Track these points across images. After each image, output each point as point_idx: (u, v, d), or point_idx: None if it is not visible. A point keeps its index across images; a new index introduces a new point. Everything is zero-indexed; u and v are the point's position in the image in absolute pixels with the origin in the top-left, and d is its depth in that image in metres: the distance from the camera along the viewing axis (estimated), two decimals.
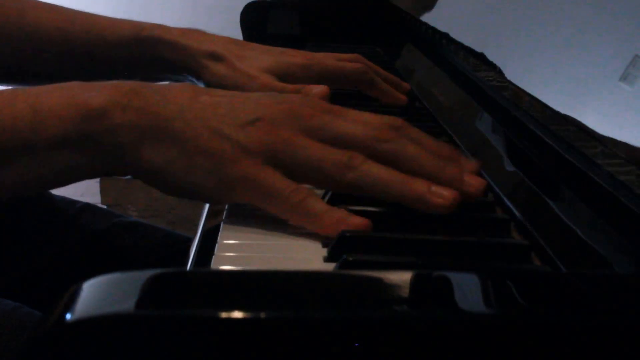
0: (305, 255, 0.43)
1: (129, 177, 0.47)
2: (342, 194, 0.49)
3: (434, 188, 0.44)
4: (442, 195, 0.44)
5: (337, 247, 0.42)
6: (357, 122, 0.46)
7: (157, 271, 0.29)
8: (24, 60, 0.72)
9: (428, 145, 0.46)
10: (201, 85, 0.69)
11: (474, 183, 0.45)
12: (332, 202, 0.49)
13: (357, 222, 0.43)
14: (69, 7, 0.73)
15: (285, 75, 0.68)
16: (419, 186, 0.44)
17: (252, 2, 1.13)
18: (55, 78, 0.71)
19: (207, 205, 0.52)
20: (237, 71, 0.67)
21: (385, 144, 0.45)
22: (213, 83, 0.68)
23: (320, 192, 0.49)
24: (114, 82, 0.46)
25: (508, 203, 0.50)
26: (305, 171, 0.45)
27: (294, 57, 0.70)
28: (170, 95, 0.46)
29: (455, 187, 0.44)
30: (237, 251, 0.43)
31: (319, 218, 0.44)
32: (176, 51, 0.69)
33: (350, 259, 0.40)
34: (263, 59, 0.68)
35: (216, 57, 0.68)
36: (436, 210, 0.44)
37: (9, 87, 0.46)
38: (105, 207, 1.76)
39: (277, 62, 0.68)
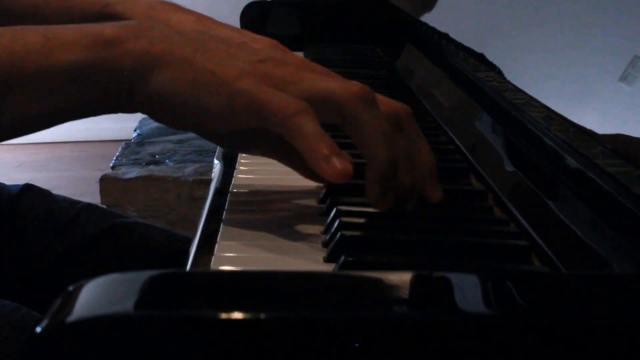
0: (305, 256, 0.43)
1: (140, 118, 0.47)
2: (341, 199, 0.49)
3: (390, 187, 0.45)
4: (388, 195, 0.45)
5: (337, 247, 0.42)
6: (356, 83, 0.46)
7: (157, 272, 0.29)
8: None
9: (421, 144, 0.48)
10: None
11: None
12: (331, 204, 0.49)
13: (338, 166, 0.41)
14: None
15: None
16: (395, 163, 0.44)
17: (253, 1, 1.13)
18: None
19: (207, 206, 0.52)
20: None
21: (392, 109, 0.46)
22: None
23: None
24: (129, 20, 0.47)
25: (507, 203, 0.50)
26: (315, 97, 0.44)
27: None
28: (185, 31, 0.47)
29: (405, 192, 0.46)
30: (236, 252, 0.43)
31: (307, 139, 0.42)
32: None
33: (350, 259, 0.40)
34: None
35: None
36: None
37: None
38: (105, 207, 1.76)
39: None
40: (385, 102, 0.47)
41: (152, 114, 0.46)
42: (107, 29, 0.45)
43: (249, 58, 0.45)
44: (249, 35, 0.62)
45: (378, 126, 0.44)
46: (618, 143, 0.45)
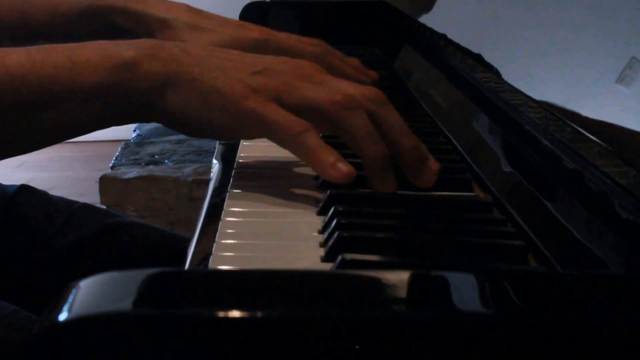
0: (303, 255, 0.43)
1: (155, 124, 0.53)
2: (339, 197, 0.50)
3: (388, 176, 0.50)
4: (389, 184, 0.50)
5: (335, 246, 0.42)
6: (351, 84, 0.52)
7: (155, 270, 0.29)
8: None
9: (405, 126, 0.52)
10: None
11: (432, 169, 0.51)
12: (329, 203, 0.49)
13: (344, 169, 0.48)
14: None
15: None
16: (384, 163, 0.49)
17: (252, 2, 1.13)
18: None
19: (205, 205, 0.52)
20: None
21: (374, 104, 0.50)
22: None
23: None
24: (139, 39, 0.52)
25: (505, 203, 0.50)
26: (306, 106, 0.50)
27: (250, 32, 0.69)
28: (190, 48, 0.52)
29: (417, 167, 0.51)
30: (235, 251, 0.43)
31: (312, 153, 0.48)
32: (128, 18, 0.69)
33: (348, 258, 0.40)
34: (217, 32, 0.68)
35: (167, 26, 0.68)
36: (374, 182, 0.50)
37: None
38: (104, 207, 1.75)
39: (231, 37, 0.68)
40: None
41: (167, 124, 0.52)
42: (125, 52, 0.50)
43: (247, 70, 0.51)
44: (235, 24, 0.69)
45: (361, 127, 0.49)
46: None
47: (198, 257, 0.43)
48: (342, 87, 0.51)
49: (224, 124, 0.50)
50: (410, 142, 0.50)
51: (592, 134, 0.44)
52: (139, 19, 0.68)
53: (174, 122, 0.52)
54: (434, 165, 0.51)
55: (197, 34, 0.67)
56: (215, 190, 0.55)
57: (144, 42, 0.51)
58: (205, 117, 0.50)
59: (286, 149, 0.50)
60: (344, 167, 0.48)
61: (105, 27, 0.70)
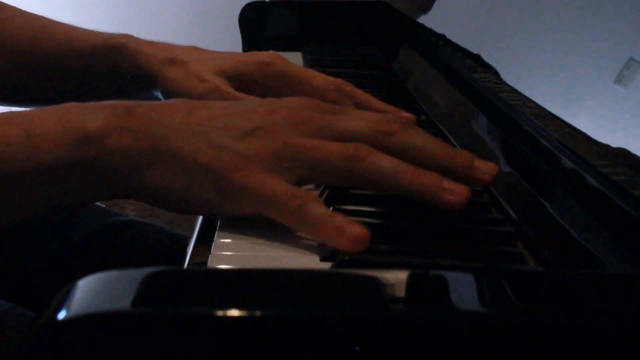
0: (302, 255, 0.43)
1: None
2: (338, 196, 0.50)
3: (446, 184, 0.42)
4: (454, 191, 0.42)
5: None
6: (360, 118, 0.45)
7: (154, 269, 0.29)
8: None
9: (435, 141, 0.46)
10: (159, 95, 0.66)
11: (485, 169, 0.44)
12: (329, 202, 0.49)
13: (356, 231, 0.40)
14: (47, 18, 0.72)
15: (241, 75, 0.64)
16: (430, 180, 0.42)
17: (251, 2, 1.14)
18: (34, 94, 0.72)
19: None
20: (189, 74, 0.63)
21: (391, 136, 0.44)
22: (167, 90, 0.64)
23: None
24: (110, 102, 0.45)
25: (503, 203, 0.50)
26: (311, 169, 0.43)
27: (254, 56, 0.65)
28: (166, 112, 0.45)
29: (467, 175, 0.44)
30: (233, 250, 0.43)
31: (318, 225, 0.41)
32: (137, 59, 0.66)
33: (347, 258, 0.40)
34: (220, 58, 0.65)
35: (173, 61, 0.64)
36: (446, 207, 0.42)
37: (2, 112, 0.46)
38: (103, 206, 1.75)
39: (233, 61, 0.65)
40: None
41: (149, 202, 0.46)
42: (89, 123, 0.43)
43: (235, 131, 0.44)
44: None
45: (384, 168, 0.43)
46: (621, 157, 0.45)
47: (197, 256, 0.43)
48: (350, 127, 0.45)
49: (215, 201, 0.43)
50: (448, 157, 0.44)
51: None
52: (147, 60, 0.65)
53: (156, 201, 0.45)
54: (483, 163, 0.45)
55: (200, 64, 0.64)
56: None
57: (114, 109, 0.44)
58: (192, 196, 0.44)
59: (286, 224, 0.43)
60: (355, 230, 0.40)
61: (115, 67, 0.67)
